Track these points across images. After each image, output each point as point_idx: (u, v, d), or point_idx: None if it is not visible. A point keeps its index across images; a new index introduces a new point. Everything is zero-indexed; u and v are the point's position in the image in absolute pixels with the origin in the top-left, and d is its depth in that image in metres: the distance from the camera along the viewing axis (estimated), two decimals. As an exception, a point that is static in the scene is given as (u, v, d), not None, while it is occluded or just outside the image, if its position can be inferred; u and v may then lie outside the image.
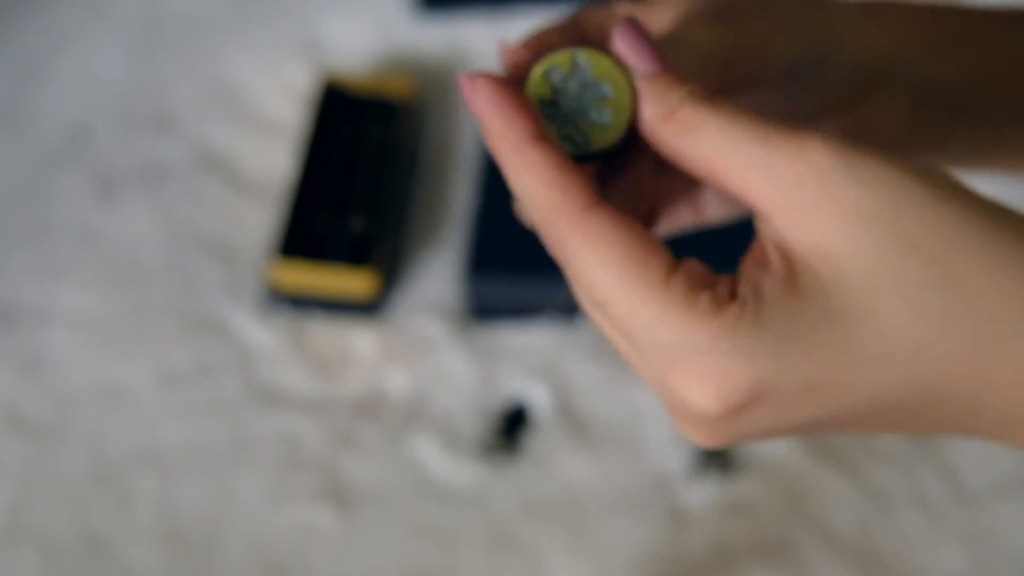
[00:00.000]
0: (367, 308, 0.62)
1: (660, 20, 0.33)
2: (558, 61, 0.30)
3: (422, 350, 0.62)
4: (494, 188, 0.64)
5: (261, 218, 0.68)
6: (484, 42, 0.77)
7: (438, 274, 0.65)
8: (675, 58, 0.30)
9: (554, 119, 0.29)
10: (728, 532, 0.55)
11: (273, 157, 0.71)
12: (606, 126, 0.29)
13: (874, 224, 0.24)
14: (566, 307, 0.61)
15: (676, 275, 0.26)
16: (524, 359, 0.61)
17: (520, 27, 0.77)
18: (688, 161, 0.27)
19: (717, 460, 0.56)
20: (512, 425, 0.58)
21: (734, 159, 0.26)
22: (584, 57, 0.29)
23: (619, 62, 0.29)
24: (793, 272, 0.25)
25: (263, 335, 0.62)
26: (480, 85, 0.28)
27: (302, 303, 0.63)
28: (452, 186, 0.69)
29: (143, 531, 0.56)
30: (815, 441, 0.57)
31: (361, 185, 0.65)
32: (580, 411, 0.59)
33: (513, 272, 0.61)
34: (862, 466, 0.56)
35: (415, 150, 0.70)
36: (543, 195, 0.27)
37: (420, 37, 0.77)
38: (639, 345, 0.26)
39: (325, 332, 0.62)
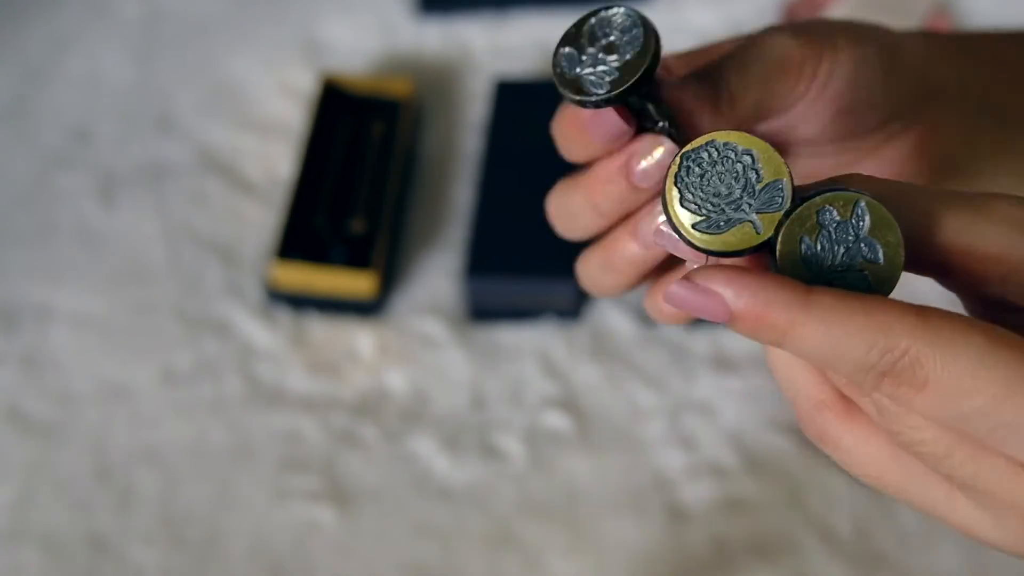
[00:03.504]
0: (367, 308, 0.63)
1: (712, 55, 0.34)
2: (836, 198, 0.25)
3: (422, 350, 0.62)
4: (494, 188, 0.64)
5: (262, 218, 0.68)
6: (484, 42, 0.77)
7: (438, 274, 0.65)
8: (754, 63, 0.32)
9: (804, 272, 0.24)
10: (728, 531, 0.55)
11: (274, 157, 0.71)
12: None
13: None
14: (565, 308, 0.62)
15: None
16: (524, 359, 0.61)
17: (520, 28, 0.78)
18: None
19: None
20: None
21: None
22: (867, 202, 0.24)
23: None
24: None
25: (263, 335, 0.63)
26: (710, 278, 0.24)
27: (302, 303, 0.63)
28: (452, 186, 0.69)
29: (144, 529, 0.56)
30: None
31: (361, 185, 0.65)
32: (580, 411, 0.59)
33: (513, 272, 0.61)
34: (861, 465, 0.56)
35: (415, 150, 0.71)
36: (865, 328, 0.23)
37: (420, 37, 0.77)
38: None
39: (325, 332, 0.63)
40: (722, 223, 0.26)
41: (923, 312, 0.23)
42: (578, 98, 0.30)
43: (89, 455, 0.59)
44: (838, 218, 0.24)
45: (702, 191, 0.26)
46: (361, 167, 0.66)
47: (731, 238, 0.26)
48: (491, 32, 0.77)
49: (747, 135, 0.26)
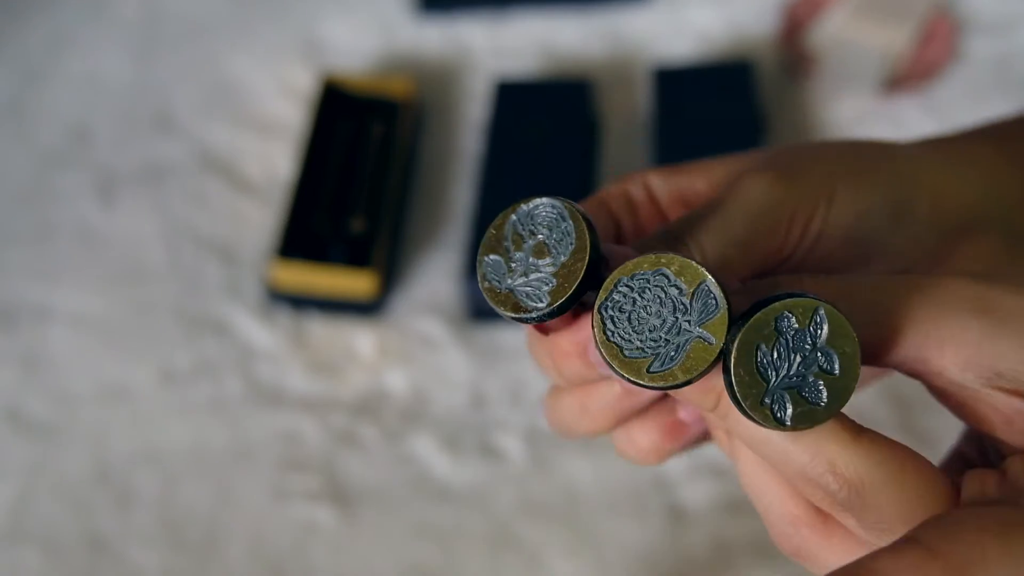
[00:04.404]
0: (367, 308, 0.63)
1: (697, 183, 0.30)
2: (795, 305, 0.23)
3: (422, 350, 0.62)
4: (494, 188, 0.64)
5: (261, 218, 0.68)
6: (484, 42, 0.77)
7: (438, 274, 0.65)
8: (734, 221, 0.27)
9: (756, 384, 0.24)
10: (728, 531, 0.55)
11: (273, 157, 0.71)
12: (818, 411, 0.23)
13: None
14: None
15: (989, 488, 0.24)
16: (523, 359, 0.61)
17: (520, 28, 0.78)
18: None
19: None
20: None
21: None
22: (826, 310, 0.23)
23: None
24: None
25: (263, 335, 0.63)
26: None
27: (302, 303, 0.63)
28: (452, 186, 0.69)
29: (144, 530, 0.56)
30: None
31: (361, 185, 0.65)
32: (580, 411, 0.59)
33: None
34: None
35: (415, 150, 0.71)
36: (841, 452, 0.23)
37: (420, 37, 0.77)
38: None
39: (325, 332, 0.62)
40: (672, 353, 0.24)
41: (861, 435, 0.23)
42: (516, 316, 0.26)
43: (89, 455, 0.59)
44: (796, 326, 0.23)
45: (636, 333, 0.24)
46: (361, 167, 0.66)
47: (689, 362, 0.24)
48: (491, 32, 0.77)
49: (648, 256, 0.25)
